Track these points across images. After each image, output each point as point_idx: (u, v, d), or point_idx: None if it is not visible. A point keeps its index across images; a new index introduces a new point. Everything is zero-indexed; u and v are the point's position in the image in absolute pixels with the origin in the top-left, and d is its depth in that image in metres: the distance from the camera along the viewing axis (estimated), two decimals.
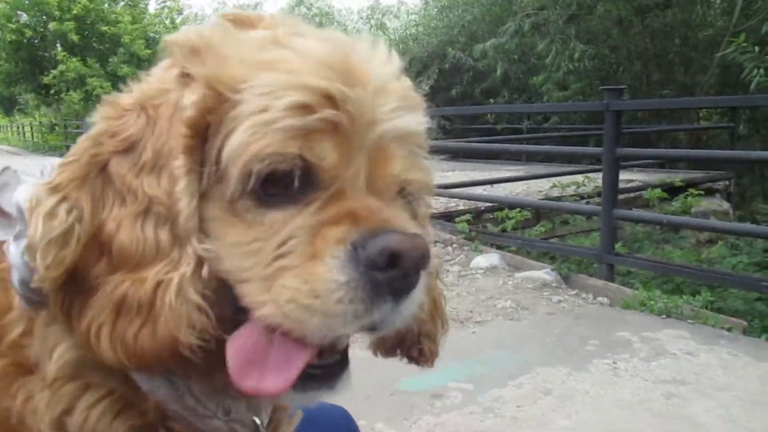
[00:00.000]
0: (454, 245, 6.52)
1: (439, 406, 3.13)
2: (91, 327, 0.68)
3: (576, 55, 13.70)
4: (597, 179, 8.98)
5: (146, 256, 0.69)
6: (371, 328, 0.70)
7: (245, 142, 0.68)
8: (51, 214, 0.68)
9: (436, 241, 6.54)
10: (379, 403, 3.18)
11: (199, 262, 0.69)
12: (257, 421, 0.85)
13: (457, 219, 6.92)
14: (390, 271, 0.66)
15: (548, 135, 14.61)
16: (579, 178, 9.43)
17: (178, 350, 0.68)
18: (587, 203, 8.41)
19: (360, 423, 1.40)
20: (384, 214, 0.70)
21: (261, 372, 0.68)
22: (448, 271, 5.68)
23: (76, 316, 0.69)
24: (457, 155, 15.49)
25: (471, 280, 5.35)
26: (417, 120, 0.79)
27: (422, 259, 0.68)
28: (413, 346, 0.89)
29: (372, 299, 0.66)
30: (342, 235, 0.67)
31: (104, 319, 0.68)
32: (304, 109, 0.68)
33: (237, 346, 0.69)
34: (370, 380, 3.40)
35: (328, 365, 0.73)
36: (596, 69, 15.26)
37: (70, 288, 0.69)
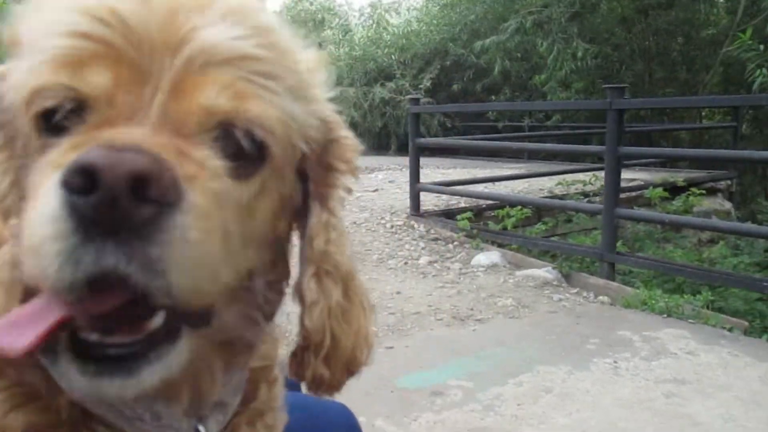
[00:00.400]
0: (455, 243, 6.51)
1: (439, 404, 3.12)
2: None
3: (579, 54, 13.64)
4: (600, 177, 8.98)
5: None
6: (125, 282, 0.54)
7: (17, 86, 0.61)
8: None
9: (436, 239, 6.57)
10: (379, 400, 3.18)
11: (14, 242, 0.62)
12: (201, 429, 0.75)
13: (458, 216, 6.91)
14: (90, 195, 0.51)
15: (550, 133, 14.59)
16: (581, 176, 9.40)
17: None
18: (589, 202, 8.39)
19: (360, 419, 1.40)
20: (133, 136, 0.55)
21: (9, 331, 0.57)
22: (448, 268, 5.68)
23: None
24: (458, 152, 15.49)
25: (472, 278, 5.35)
26: (242, 39, 0.61)
27: (138, 179, 0.51)
28: (306, 365, 0.73)
29: (83, 235, 0.52)
30: (62, 160, 0.55)
31: None
32: (68, 32, 0.58)
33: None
34: (370, 377, 3.40)
35: (128, 345, 0.58)
36: (598, 68, 15.22)
37: None
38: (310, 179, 0.72)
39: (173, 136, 0.57)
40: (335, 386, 0.77)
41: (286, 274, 0.77)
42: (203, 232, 0.56)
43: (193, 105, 0.59)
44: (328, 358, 0.72)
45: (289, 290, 0.77)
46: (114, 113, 0.58)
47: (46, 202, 0.54)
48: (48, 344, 0.57)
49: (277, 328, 0.86)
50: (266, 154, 0.64)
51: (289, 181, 0.70)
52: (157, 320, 0.59)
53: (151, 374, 0.59)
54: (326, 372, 0.73)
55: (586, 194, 8.72)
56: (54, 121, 0.59)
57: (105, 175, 0.51)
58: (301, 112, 0.68)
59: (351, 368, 0.76)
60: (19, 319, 0.58)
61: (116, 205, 0.51)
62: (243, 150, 0.62)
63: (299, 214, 0.75)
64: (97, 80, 0.58)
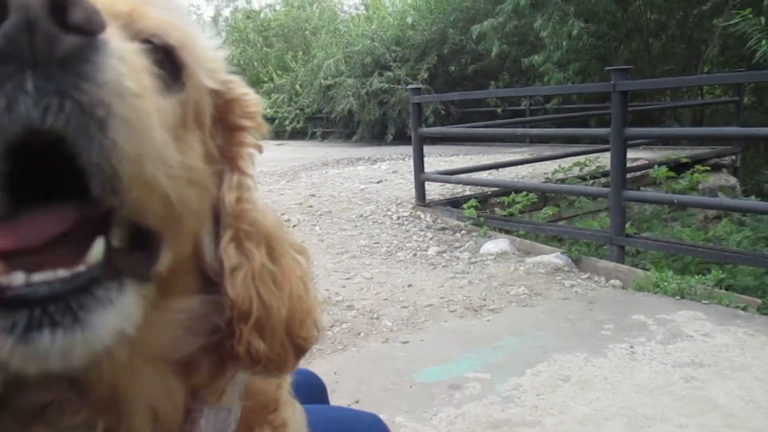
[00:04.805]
0: (463, 231, 6.50)
1: (458, 397, 3.13)
2: None
3: (575, 32, 13.55)
4: (599, 159, 8.95)
5: None
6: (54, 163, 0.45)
7: None
8: None
9: (443, 228, 6.55)
10: (398, 396, 3.18)
11: None
12: None
13: (464, 205, 6.90)
14: (1, 25, 0.42)
15: (550, 117, 14.55)
16: (582, 159, 9.36)
17: None
18: (593, 184, 8.37)
19: (380, 417, 1.40)
20: None
21: None
22: (458, 258, 5.67)
23: None
24: (457, 139, 15.45)
25: (482, 267, 5.34)
26: None
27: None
28: (238, 338, 0.62)
29: None
30: None
31: None
32: None
33: None
34: (387, 372, 3.41)
35: (66, 281, 0.45)
36: (594, 47, 15.13)
37: None
38: (217, 145, 0.66)
39: None
40: (278, 362, 0.65)
41: None
42: (137, 84, 0.48)
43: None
44: (260, 327, 0.63)
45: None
46: None
47: None
48: None
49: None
50: (180, 73, 0.58)
51: (208, 130, 0.64)
52: (97, 250, 0.47)
53: (105, 322, 0.46)
54: (261, 344, 0.63)
55: (583, 178, 8.67)
56: None
57: None
58: (203, 46, 0.64)
59: (295, 341, 0.66)
60: None
61: (35, 30, 0.42)
62: (154, 63, 0.54)
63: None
64: None
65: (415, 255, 5.81)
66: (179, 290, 0.60)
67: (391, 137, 18.03)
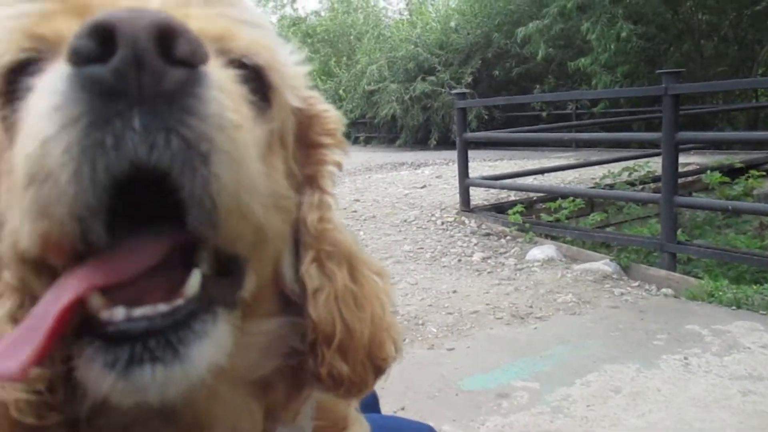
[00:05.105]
0: (508, 237, 6.43)
1: (506, 407, 3.08)
2: None
3: (623, 34, 13.28)
4: (649, 164, 8.74)
5: None
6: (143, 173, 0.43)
7: None
8: None
9: (488, 234, 6.49)
10: (445, 404, 3.16)
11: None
12: None
13: (509, 210, 6.82)
14: (108, 61, 0.41)
15: (597, 121, 14.29)
16: (630, 163, 9.14)
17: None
18: (642, 189, 8.17)
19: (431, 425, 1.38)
20: None
21: (7, 349, 0.44)
22: (503, 264, 5.61)
23: None
24: (501, 144, 15.31)
25: (528, 274, 5.27)
26: None
27: (163, 32, 0.42)
28: (320, 361, 0.62)
29: (100, 114, 0.42)
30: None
31: None
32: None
33: None
34: (433, 380, 3.38)
35: (166, 315, 0.46)
36: (643, 50, 14.80)
37: None
38: (297, 163, 0.65)
39: None
40: (359, 384, 0.65)
41: None
42: (237, 115, 0.48)
43: None
44: (343, 350, 0.62)
45: None
46: None
47: (46, 91, 0.43)
48: (58, 344, 0.45)
49: None
50: (268, 94, 0.58)
51: (290, 149, 0.63)
52: (194, 282, 0.47)
53: (202, 355, 0.47)
54: (344, 366, 0.62)
55: (632, 183, 8.46)
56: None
57: (125, 30, 0.41)
58: (286, 62, 0.63)
59: (375, 362, 0.66)
60: (19, 330, 0.45)
61: (142, 65, 0.42)
62: (248, 89, 0.54)
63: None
64: (65, 26, 0.48)
65: (459, 261, 5.77)
66: (260, 313, 0.60)
67: (435, 142, 17.98)
